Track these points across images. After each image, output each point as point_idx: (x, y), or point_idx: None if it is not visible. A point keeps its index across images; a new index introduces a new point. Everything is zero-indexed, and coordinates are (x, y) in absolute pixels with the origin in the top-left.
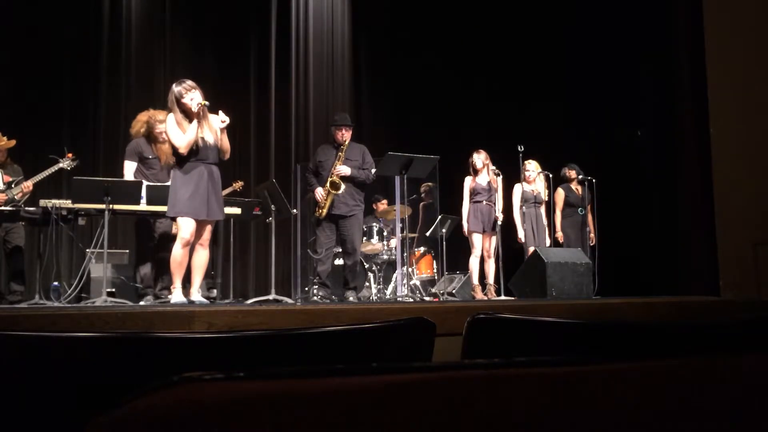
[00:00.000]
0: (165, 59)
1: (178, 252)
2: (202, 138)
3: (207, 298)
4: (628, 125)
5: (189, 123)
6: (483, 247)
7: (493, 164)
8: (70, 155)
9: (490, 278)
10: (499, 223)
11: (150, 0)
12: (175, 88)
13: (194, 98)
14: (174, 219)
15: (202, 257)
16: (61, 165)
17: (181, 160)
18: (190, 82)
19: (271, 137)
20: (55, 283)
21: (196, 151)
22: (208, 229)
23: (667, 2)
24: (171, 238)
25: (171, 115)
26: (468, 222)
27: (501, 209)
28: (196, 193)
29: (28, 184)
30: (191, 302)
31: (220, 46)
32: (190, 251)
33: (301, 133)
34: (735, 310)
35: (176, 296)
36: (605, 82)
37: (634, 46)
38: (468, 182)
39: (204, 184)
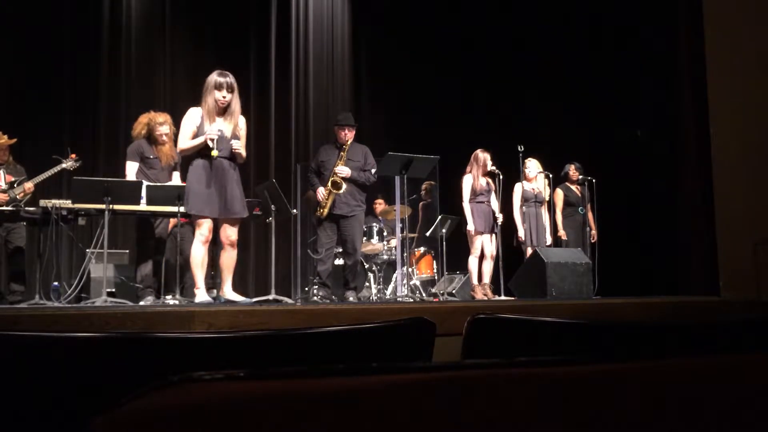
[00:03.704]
0: (165, 59)
1: (197, 251)
2: (220, 130)
3: None
4: (628, 125)
5: (212, 118)
6: (483, 247)
7: (493, 164)
8: (73, 156)
9: (486, 278)
10: (499, 223)
11: (150, 0)
12: (218, 78)
13: (227, 97)
14: (189, 217)
15: (231, 255)
16: (64, 165)
17: (203, 149)
18: (231, 80)
19: (271, 137)
20: (55, 283)
21: (217, 144)
22: (233, 226)
23: (668, 2)
24: (167, 240)
25: (194, 109)
26: (474, 222)
27: (499, 209)
28: (208, 189)
29: (30, 185)
30: (231, 302)
31: (220, 46)
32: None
33: (301, 133)
34: (735, 310)
35: (200, 296)
36: (605, 82)
37: (634, 46)
38: (468, 181)
39: (217, 180)
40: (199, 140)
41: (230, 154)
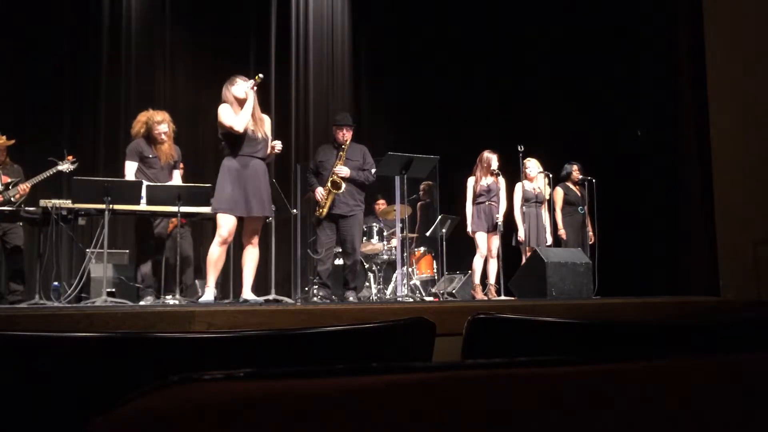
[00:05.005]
0: (165, 59)
1: (215, 250)
2: (252, 131)
3: None
4: (628, 125)
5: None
6: (486, 246)
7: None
8: (70, 157)
9: (492, 278)
10: (499, 224)
11: (150, 0)
12: (228, 83)
13: (244, 88)
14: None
15: (252, 256)
16: (59, 168)
17: (234, 148)
18: (241, 77)
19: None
20: (55, 283)
21: (247, 143)
22: (256, 226)
23: (668, 2)
24: (167, 239)
25: (224, 104)
26: (472, 222)
27: (503, 211)
28: (240, 188)
29: (25, 186)
30: (245, 301)
31: (220, 46)
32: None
33: (301, 133)
34: (735, 310)
35: (208, 295)
36: (605, 82)
37: (634, 46)
38: (471, 182)
39: (251, 180)
40: (249, 103)
41: (265, 155)
